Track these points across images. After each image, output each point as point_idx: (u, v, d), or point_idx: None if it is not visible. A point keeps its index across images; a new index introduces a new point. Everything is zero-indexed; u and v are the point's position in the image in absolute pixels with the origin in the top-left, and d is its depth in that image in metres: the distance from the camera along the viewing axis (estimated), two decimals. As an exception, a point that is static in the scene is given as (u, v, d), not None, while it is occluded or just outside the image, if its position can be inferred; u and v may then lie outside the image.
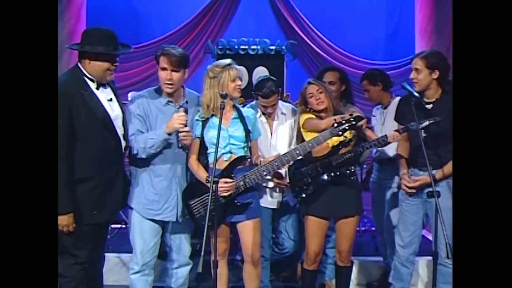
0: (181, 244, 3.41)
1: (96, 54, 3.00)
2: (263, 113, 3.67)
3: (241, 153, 3.30)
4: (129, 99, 4.24)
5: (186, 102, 3.32)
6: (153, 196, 3.22)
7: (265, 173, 3.26)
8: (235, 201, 3.25)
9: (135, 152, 3.18)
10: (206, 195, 3.07)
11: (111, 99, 3.14)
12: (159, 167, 3.23)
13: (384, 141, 3.38)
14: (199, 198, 3.26)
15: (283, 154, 3.31)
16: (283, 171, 3.69)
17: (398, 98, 4.09)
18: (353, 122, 3.25)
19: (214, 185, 2.95)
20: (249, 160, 3.32)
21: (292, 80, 6.07)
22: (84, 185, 3.02)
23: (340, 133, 3.26)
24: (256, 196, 3.37)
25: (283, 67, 6.06)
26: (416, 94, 3.40)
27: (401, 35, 7.12)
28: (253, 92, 3.81)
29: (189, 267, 3.47)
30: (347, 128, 3.25)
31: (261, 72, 6.23)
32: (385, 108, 4.32)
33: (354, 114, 3.34)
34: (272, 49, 6.18)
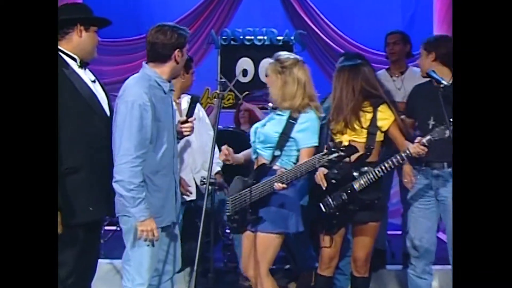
0: (173, 252, 3.01)
1: (88, 24, 2.81)
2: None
3: (267, 156, 3.04)
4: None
5: (173, 90, 2.95)
6: (158, 200, 2.79)
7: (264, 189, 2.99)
8: (250, 211, 3.05)
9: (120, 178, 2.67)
10: (237, 194, 3.02)
11: (94, 81, 2.89)
12: (160, 164, 2.79)
13: (408, 157, 3.01)
14: (239, 194, 3.06)
15: (287, 171, 2.93)
16: None
17: (415, 68, 4.21)
18: (342, 154, 2.79)
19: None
20: (275, 168, 3.01)
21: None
22: (74, 177, 2.72)
23: (326, 164, 2.83)
24: (271, 211, 3.04)
25: None
26: (444, 82, 3.03)
27: (418, 24, 6.75)
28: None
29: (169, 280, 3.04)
30: (334, 159, 2.79)
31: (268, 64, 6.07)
32: (402, 74, 4.41)
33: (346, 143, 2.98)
34: (279, 40, 6.22)
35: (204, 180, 2.62)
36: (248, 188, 2.99)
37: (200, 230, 2.58)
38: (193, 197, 3.57)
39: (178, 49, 2.77)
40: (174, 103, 3.01)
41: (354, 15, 6.78)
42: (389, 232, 4.69)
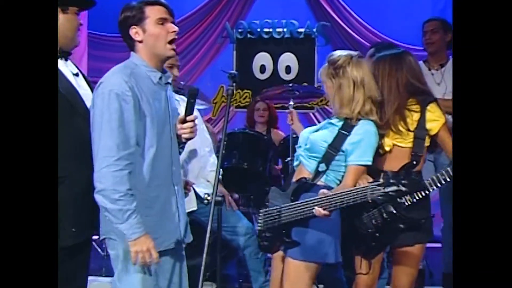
0: (178, 280, 2.54)
1: (66, 4, 2.46)
2: None
3: (310, 168, 2.65)
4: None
5: (169, 82, 2.51)
6: (151, 219, 2.36)
7: (296, 211, 2.57)
8: (283, 231, 2.65)
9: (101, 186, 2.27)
10: (271, 209, 2.65)
11: (77, 74, 2.55)
12: (152, 173, 2.36)
13: None
14: (273, 209, 2.63)
15: (331, 196, 2.49)
16: None
17: None
18: (403, 189, 2.27)
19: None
20: (319, 184, 2.61)
21: (325, 68, 5.63)
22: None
23: (380, 197, 2.35)
24: (307, 236, 2.63)
25: (314, 53, 6.01)
26: None
27: (451, 17, 6.26)
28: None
29: None
30: (392, 193, 2.30)
31: (288, 59, 6.28)
32: (442, 66, 4.05)
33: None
34: (301, 32, 6.04)
35: (209, 198, 2.14)
36: (283, 206, 2.61)
37: (204, 255, 2.17)
38: (193, 207, 3.19)
39: (132, 26, 2.37)
40: (175, 100, 2.55)
41: (381, 5, 6.49)
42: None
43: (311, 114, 6.33)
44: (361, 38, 6.40)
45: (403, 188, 2.21)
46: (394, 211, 2.44)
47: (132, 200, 2.22)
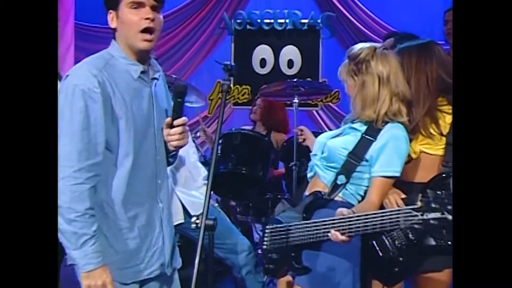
0: None
1: None
2: None
3: (327, 179, 2.33)
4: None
5: (156, 78, 2.14)
6: (128, 243, 2.07)
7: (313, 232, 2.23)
8: (292, 254, 2.34)
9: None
10: (294, 224, 2.29)
11: None
12: (130, 186, 2.05)
13: None
14: (281, 226, 2.30)
15: (352, 218, 2.09)
16: None
17: None
18: (450, 217, 1.79)
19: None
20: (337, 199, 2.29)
21: (329, 61, 5.78)
22: None
23: (418, 226, 1.92)
24: (319, 261, 2.31)
25: (318, 46, 5.94)
26: None
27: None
28: None
29: None
30: (433, 222, 1.85)
31: (290, 52, 6.19)
32: None
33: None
34: (304, 24, 5.98)
35: (198, 221, 1.76)
36: (293, 224, 2.30)
37: (194, 279, 1.79)
38: (180, 220, 2.93)
39: (109, 10, 2.07)
40: (165, 99, 2.18)
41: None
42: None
43: (315, 112, 6.10)
44: (368, 31, 6.19)
45: (450, 216, 1.75)
46: (434, 243, 2.02)
47: (91, 223, 1.91)
